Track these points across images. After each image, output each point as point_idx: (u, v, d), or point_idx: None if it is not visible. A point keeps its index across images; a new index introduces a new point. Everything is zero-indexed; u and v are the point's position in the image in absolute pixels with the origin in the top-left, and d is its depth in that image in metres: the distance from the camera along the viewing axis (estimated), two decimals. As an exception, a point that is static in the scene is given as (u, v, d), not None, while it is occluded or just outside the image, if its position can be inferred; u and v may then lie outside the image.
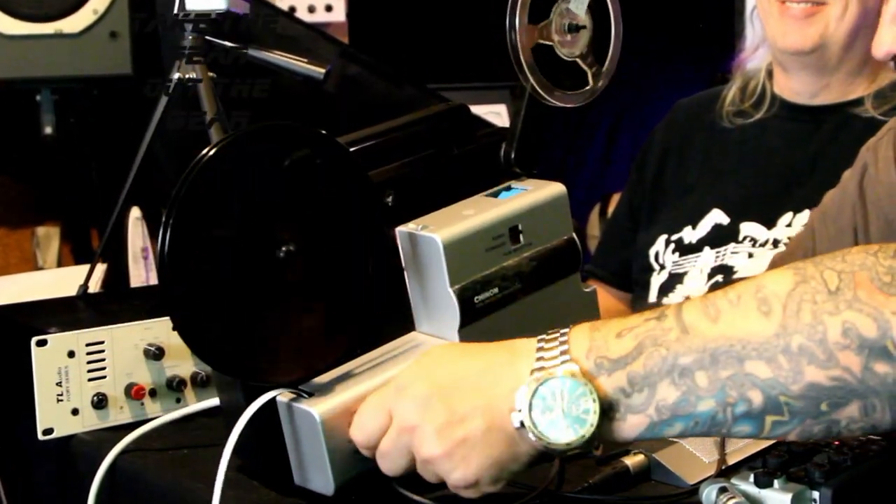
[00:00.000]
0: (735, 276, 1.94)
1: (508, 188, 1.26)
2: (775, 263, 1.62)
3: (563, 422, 0.95)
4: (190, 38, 1.71)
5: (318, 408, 1.08)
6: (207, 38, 1.70)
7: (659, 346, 0.94)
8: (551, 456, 1.01)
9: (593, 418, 0.94)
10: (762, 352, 0.91)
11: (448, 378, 1.01)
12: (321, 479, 1.11)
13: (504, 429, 0.98)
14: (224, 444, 1.13)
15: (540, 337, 1.00)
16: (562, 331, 0.99)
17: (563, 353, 0.97)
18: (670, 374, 0.93)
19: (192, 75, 1.69)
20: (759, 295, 0.92)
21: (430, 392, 1.01)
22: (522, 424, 0.96)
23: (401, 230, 1.18)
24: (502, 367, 1.00)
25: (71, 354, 1.38)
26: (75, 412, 1.39)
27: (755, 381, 0.91)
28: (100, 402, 1.39)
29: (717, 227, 2.02)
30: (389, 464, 1.05)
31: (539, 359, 0.98)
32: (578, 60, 1.28)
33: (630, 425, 0.96)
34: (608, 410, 0.95)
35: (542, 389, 0.96)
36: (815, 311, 0.90)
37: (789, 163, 2.02)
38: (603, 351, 0.96)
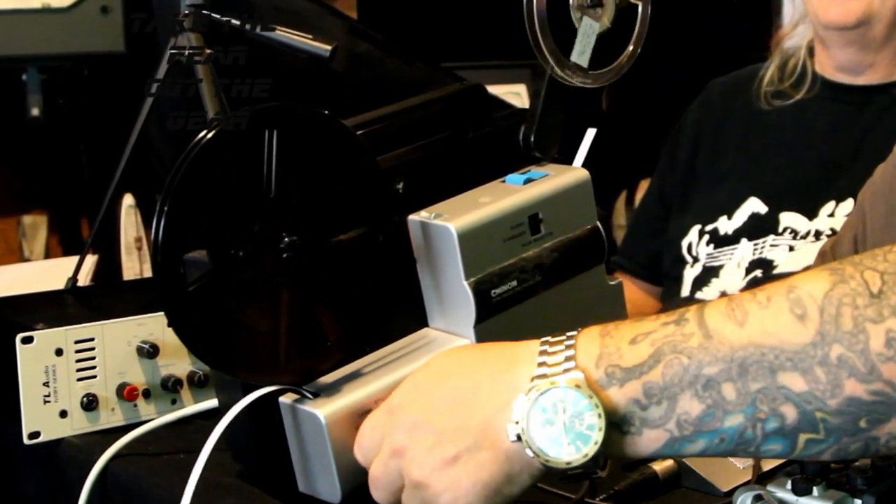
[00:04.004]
0: (775, 272, 1.94)
1: (528, 174, 1.27)
2: (825, 254, 1.62)
3: (565, 437, 0.93)
4: (187, 11, 1.71)
5: (323, 409, 1.09)
6: (206, 13, 1.70)
7: (679, 354, 0.91)
8: (550, 477, 0.99)
9: (598, 435, 0.92)
10: (797, 362, 0.88)
11: (440, 399, 0.99)
12: (327, 485, 1.11)
13: (497, 446, 0.95)
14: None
15: (544, 339, 0.97)
16: (569, 334, 0.97)
17: (567, 358, 0.94)
18: (693, 386, 0.91)
19: (188, 44, 1.69)
20: (791, 295, 0.89)
21: (420, 416, 0.99)
22: (519, 438, 0.93)
23: (412, 219, 1.18)
24: (498, 377, 0.97)
25: (59, 352, 1.39)
26: (63, 414, 1.39)
27: (789, 395, 0.89)
28: (90, 403, 1.40)
29: (755, 217, 2.02)
30: (379, 492, 1.03)
31: (541, 364, 0.95)
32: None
33: (647, 440, 0.93)
34: (620, 424, 0.93)
35: (543, 400, 0.93)
36: (856, 318, 0.87)
37: (832, 147, 2.02)
38: (615, 359, 0.93)
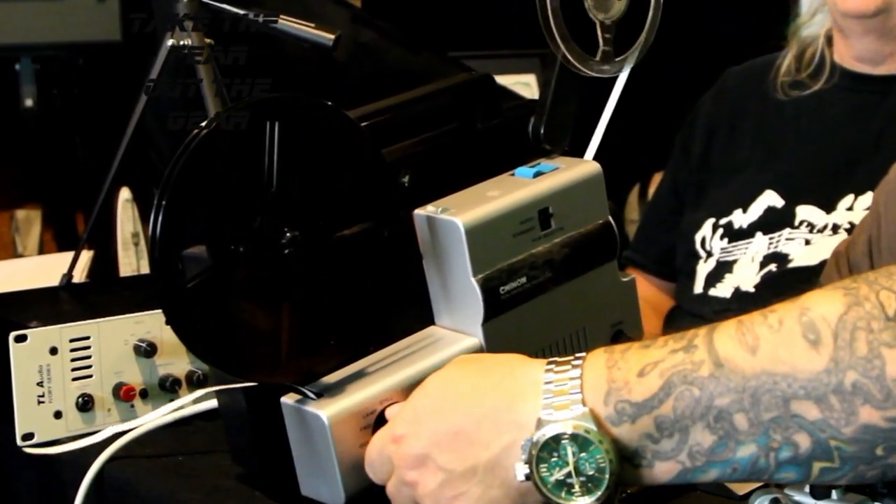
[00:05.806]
0: (790, 266, 1.94)
1: (538, 167, 1.26)
2: (839, 253, 1.61)
3: (575, 481, 0.94)
4: (185, 2, 1.71)
5: (326, 410, 1.09)
6: (206, 2, 1.70)
7: (690, 385, 0.91)
8: None
9: (610, 480, 0.93)
10: (810, 390, 0.88)
11: (442, 435, 1.00)
12: (331, 488, 1.11)
13: (508, 484, 0.97)
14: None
15: (547, 367, 0.98)
16: (574, 362, 0.97)
17: (573, 392, 0.95)
18: (705, 418, 0.91)
19: (187, 42, 1.69)
20: (804, 319, 0.89)
21: (425, 450, 1.00)
22: (528, 478, 0.95)
23: (418, 214, 1.18)
24: (501, 413, 0.97)
25: (53, 351, 1.39)
26: (58, 415, 1.39)
27: (802, 424, 0.89)
28: (85, 403, 1.40)
29: (771, 211, 2.02)
30: None
31: (546, 399, 0.95)
32: (598, 28, 1.27)
33: (659, 472, 0.94)
34: (632, 458, 0.94)
35: (551, 442, 0.94)
36: (871, 342, 0.86)
37: (851, 139, 2.02)
38: (624, 394, 0.93)
